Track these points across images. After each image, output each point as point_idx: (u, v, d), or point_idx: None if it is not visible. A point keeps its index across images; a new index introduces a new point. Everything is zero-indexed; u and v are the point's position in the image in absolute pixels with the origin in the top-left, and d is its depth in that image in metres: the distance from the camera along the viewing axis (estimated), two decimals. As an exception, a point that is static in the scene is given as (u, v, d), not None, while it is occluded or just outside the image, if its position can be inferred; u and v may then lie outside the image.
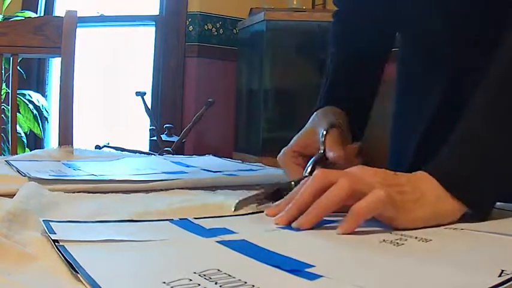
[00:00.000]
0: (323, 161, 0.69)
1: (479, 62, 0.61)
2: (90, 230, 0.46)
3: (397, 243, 0.44)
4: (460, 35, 0.71)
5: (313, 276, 0.34)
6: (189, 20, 3.07)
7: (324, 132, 0.71)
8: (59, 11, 3.09)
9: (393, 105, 0.92)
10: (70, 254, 0.38)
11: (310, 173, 0.66)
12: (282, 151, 0.73)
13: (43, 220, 0.46)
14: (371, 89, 0.86)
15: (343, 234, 0.46)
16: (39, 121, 2.68)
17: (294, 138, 0.74)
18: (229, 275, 0.34)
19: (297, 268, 0.36)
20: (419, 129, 0.78)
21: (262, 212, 0.55)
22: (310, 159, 0.69)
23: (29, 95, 2.67)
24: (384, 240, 0.45)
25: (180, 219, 0.51)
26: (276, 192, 0.60)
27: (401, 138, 0.87)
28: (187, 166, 0.90)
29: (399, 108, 0.90)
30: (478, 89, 0.57)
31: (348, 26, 0.88)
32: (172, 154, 2.40)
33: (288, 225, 0.49)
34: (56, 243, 0.40)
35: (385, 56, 0.88)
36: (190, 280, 0.33)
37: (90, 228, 0.47)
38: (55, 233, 0.43)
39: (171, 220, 0.51)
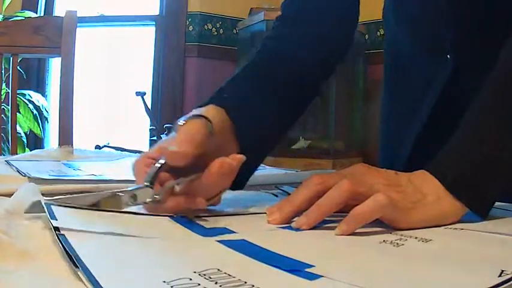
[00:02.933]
0: (174, 167, 0.52)
1: (480, 62, 0.61)
2: (92, 219, 0.46)
3: (397, 243, 0.44)
4: (463, 33, 0.71)
5: (313, 276, 0.34)
6: (189, 20, 3.07)
7: (182, 123, 0.53)
8: (59, 11, 3.10)
9: (382, 105, 0.90)
10: (70, 245, 0.38)
11: (151, 182, 0.51)
12: (138, 156, 0.57)
13: (44, 203, 0.46)
14: (287, 114, 0.71)
15: (341, 235, 0.46)
16: (39, 121, 2.68)
17: (157, 143, 0.58)
18: (229, 275, 0.34)
19: (297, 268, 0.35)
20: (414, 130, 0.77)
21: (262, 212, 0.55)
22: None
23: (29, 95, 2.67)
24: (384, 240, 0.45)
25: (180, 216, 0.51)
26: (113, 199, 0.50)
27: (394, 140, 0.85)
28: (187, 166, 0.90)
29: (390, 109, 0.88)
30: (480, 89, 0.57)
31: (292, 37, 0.75)
32: (172, 154, 2.39)
33: (288, 225, 0.49)
34: (57, 232, 0.40)
35: (318, 84, 0.76)
36: (190, 279, 0.33)
37: (91, 216, 0.47)
38: (56, 219, 0.43)
39: (171, 216, 0.51)
